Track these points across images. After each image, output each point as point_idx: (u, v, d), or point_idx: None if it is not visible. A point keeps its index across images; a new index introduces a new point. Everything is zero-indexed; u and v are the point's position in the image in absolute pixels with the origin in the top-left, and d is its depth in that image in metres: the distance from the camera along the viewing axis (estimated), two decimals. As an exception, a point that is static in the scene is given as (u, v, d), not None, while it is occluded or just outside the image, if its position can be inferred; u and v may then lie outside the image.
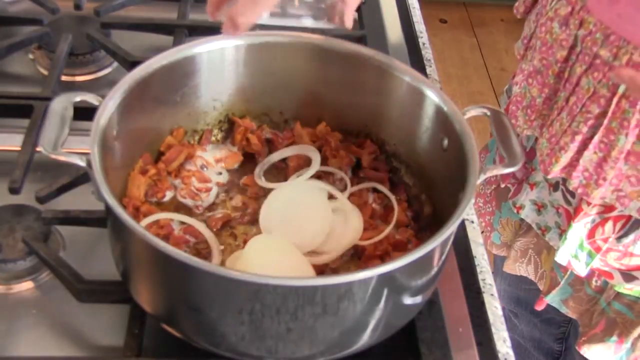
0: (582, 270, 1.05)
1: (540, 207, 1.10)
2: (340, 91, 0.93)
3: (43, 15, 1.21)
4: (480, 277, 0.92)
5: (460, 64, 3.36)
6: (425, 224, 0.88)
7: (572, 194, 1.03)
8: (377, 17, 1.31)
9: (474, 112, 0.84)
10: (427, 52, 1.28)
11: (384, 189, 0.92)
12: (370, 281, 0.67)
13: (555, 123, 0.97)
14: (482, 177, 0.75)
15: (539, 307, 1.19)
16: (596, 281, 1.09)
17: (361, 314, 0.69)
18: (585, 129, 0.92)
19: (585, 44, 0.91)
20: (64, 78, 1.13)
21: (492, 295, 0.90)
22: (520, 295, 1.41)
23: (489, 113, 0.84)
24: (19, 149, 0.94)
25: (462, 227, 0.97)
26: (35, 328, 0.81)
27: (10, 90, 1.08)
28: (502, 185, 1.17)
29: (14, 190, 0.90)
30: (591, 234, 1.02)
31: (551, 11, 0.97)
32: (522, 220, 1.16)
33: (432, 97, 0.85)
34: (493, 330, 0.86)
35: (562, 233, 1.07)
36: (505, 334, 0.87)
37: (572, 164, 0.96)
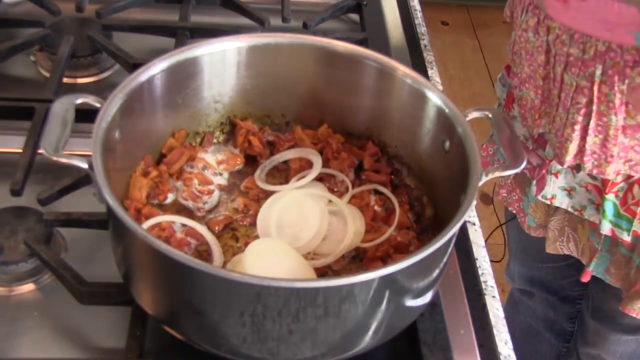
0: (626, 237, 1.11)
1: (570, 191, 1.16)
2: (342, 93, 0.93)
3: (44, 17, 1.21)
4: (481, 279, 0.92)
5: (462, 66, 3.36)
6: (427, 226, 0.88)
7: None
8: (379, 20, 1.31)
9: (475, 114, 0.84)
10: (429, 54, 1.28)
11: (386, 191, 0.92)
12: (372, 283, 0.67)
13: (556, 119, 1.05)
14: (484, 179, 0.75)
15: (585, 279, 1.23)
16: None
17: (363, 316, 0.69)
18: (580, 118, 1.01)
19: (557, 47, 0.99)
20: (65, 80, 1.13)
21: (493, 297, 0.90)
22: (535, 274, 1.43)
23: (490, 115, 0.84)
24: (20, 151, 0.94)
25: (463, 229, 0.97)
26: (36, 330, 0.81)
27: (12, 92, 1.09)
28: (525, 171, 1.21)
29: (15, 192, 0.90)
30: (624, 201, 1.08)
31: (523, 23, 1.06)
32: None
33: (434, 99, 0.85)
34: (495, 332, 0.86)
35: (597, 207, 1.12)
36: (507, 336, 0.87)
37: (581, 151, 1.03)
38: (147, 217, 0.83)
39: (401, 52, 1.27)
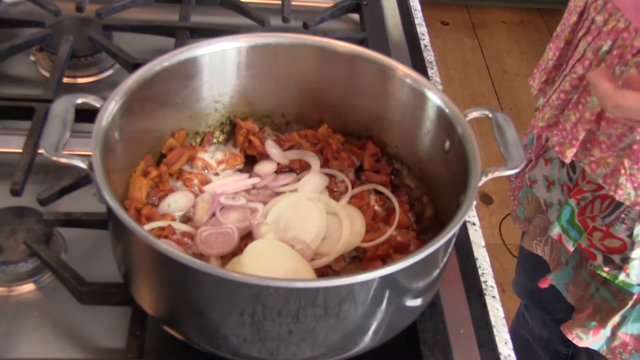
0: (569, 246, 1.09)
1: (550, 184, 1.13)
2: (342, 93, 0.93)
3: (45, 17, 1.21)
4: (482, 279, 0.92)
5: (462, 66, 3.36)
6: (427, 226, 0.88)
7: (574, 170, 1.07)
8: (379, 19, 1.31)
9: (475, 113, 0.84)
10: (429, 54, 1.28)
11: (386, 191, 0.92)
12: (372, 283, 0.67)
13: (555, 85, 1.03)
14: (484, 179, 0.75)
15: (543, 285, 1.21)
16: (590, 264, 1.11)
17: (363, 316, 0.69)
18: (569, 88, 0.98)
19: (589, 11, 0.97)
20: (65, 80, 1.13)
21: (493, 297, 0.90)
22: (535, 288, 1.41)
23: (490, 115, 0.84)
24: (20, 151, 0.94)
25: (463, 229, 0.97)
26: (36, 330, 0.81)
27: (12, 92, 1.09)
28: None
29: (15, 192, 0.90)
30: (582, 212, 1.06)
31: None
32: None
33: (434, 99, 0.85)
34: (495, 332, 0.86)
35: (560, 209, 1.10)
36: (507, 336, 0.87)
37: (555, 123, 1.02)
38: (147, 217, 0.83)
39: (401, 52, 1.26)
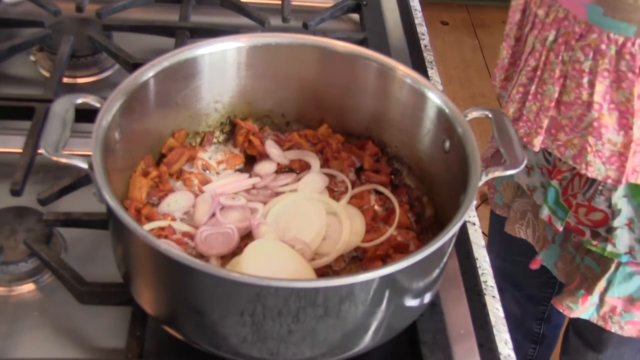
0: (558, 226, 1.12)
1: (529, 170, 1.18)
2: (342, 93, 0.93)
3: (45, 17, 1.21)
4: (482, 279, 0.92)
5: (462, 66, 3.36)
6: (427, 226, 0.88)
7: (550, 152, 1.11)
8: (379, 20, 1.31)
9: (475, 113, 0.84)
10: (429, 54, 1.28)
11: (386, 191, 0.92)
12: (372, 283, 0.67)
13: (513, 80, 1.09)
14: (484, 179, 0.75)
15: (534, 266, 1.25)
16: (574, 236, 1.15)
17: (363, 316, 0.69)
18: (526, 81, 1.04)
19: (530, 7, 1.03)
20: (65, 80, 1.13)
21: (493, 297, 0.90)
22: (507, 268, 1.45)
23: (490, 115, 0.84)
24: (20, 151, 0.94)
25: (463, 229, 0.97)
26: (36, 330, 0.81)
27: (12, 92, 1.09)
28: None
29: (15, 192, 0.90)
30: (565, 191, 1.10)
31: None
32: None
33: (434, 99, 0.85)
34: (495, 332, 0.86)
35: (545, 191, 1.14)
36: (507, 336, 0.87)
37: (519, 116, 1.06)
38: (147, 217, 0.83)
39: (401, 52, 1.27)
